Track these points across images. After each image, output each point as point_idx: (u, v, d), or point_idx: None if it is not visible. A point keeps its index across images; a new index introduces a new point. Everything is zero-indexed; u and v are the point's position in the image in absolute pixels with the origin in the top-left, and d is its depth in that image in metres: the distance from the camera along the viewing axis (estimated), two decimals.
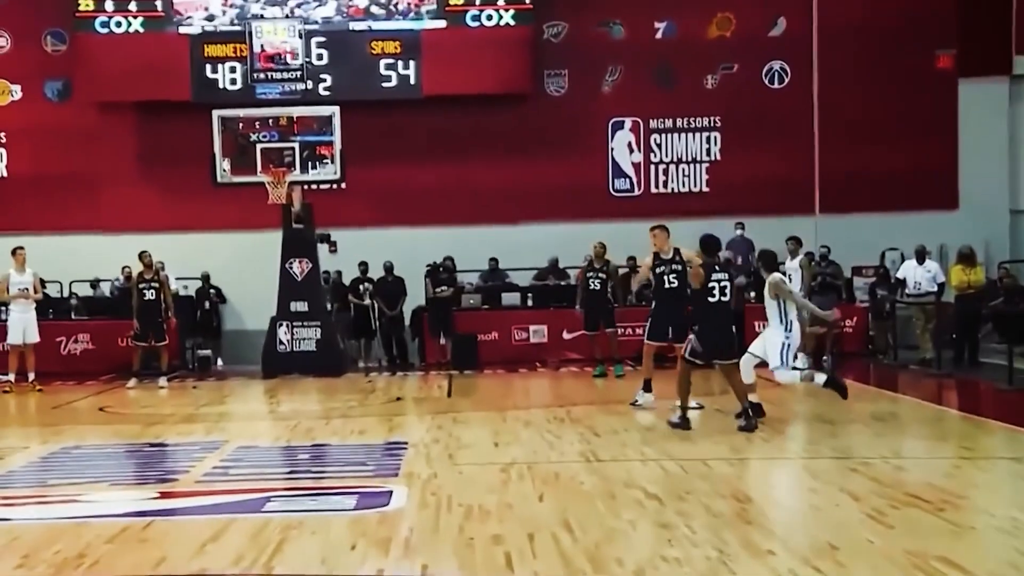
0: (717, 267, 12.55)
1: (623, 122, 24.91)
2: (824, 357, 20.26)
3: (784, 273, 19.92)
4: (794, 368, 19.02)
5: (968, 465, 10.42)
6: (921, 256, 20.06)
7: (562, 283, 22.93)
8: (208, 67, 23.54)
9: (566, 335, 21.22)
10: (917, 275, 19.95)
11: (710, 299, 12.40)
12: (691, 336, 12.68)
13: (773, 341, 12.88)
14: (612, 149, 24.93)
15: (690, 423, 12.59)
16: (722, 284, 12.44)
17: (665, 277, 14.14)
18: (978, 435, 12.15)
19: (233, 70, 23.45)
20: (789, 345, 12.84)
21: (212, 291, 23.68)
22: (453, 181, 24.33)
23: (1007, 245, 24.31)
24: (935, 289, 19.73)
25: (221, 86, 23.50)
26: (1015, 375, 16.01)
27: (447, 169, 24.31)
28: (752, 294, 21.93)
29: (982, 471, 10.25)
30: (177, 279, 22.52)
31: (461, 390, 17.82)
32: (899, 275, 20.64)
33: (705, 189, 24.85)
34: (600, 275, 18.73)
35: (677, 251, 13.99)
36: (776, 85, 24.81)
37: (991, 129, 24.52)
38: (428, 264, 22.49)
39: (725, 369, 12.72)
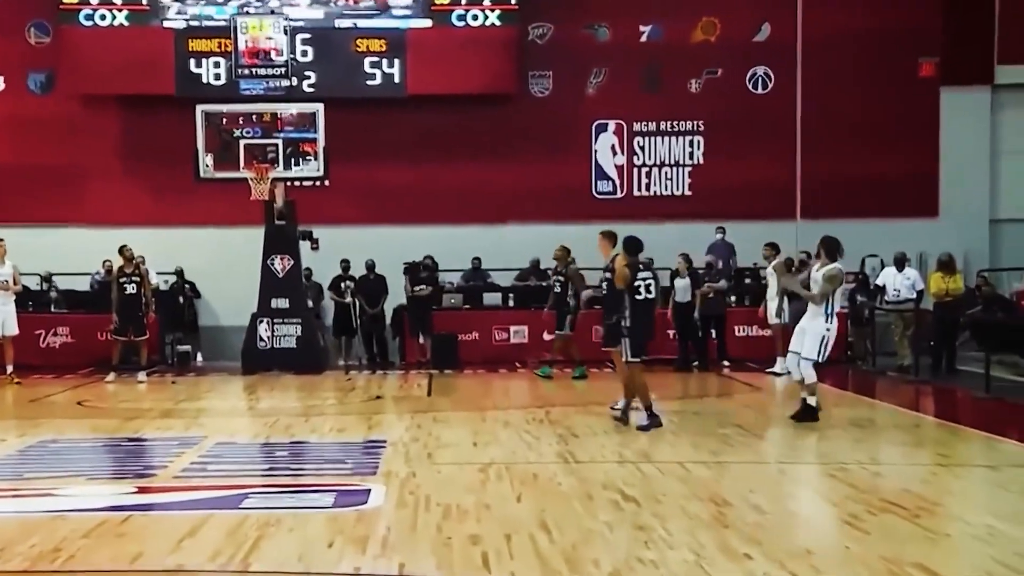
0: (642, 266, 12.89)
1: (607, 124, 24.94)
2: None
3: (762, 279, 20.08)
4: (775, 373, 19.17)
5: (944, 472, 10.47)
6: (901, 263, 20.12)
7: (543, 284, 22.91)
8: (192, 62, 23.46)
9: (546, 336, 21.19)
10: (896, 282, 20.00)
11: (637, 297, 12.73)
12: (623, 339, 12.90)
13: (815, 331, 13.00)
14: (596, 151, 24.95)
15: (660, 420, 12.73)
16: (647, 282, 12.80)
17: (602, 284, 14.34)
18: (955, 442, 12.20)
19: (217, 65, 23.38)
20: (828, 340, 12.95)
21: (186, 286, 23.57)
22: (437, 180, 24.30)
23: (987, 254, 24.42)
24: (914, 296, 19.77)
25: (205, 81, 23.42)
26: (992, 383, 16.08)
27: (431, 168, 24.29)
28: (732, 298, 21.99)
29: (958, 478, 10.30)
30: (158, 274, 22.44)
31: (441, 389, 17.81)
32: (879, 282, 20.69)
33: (687, 193, 24.89)
34: (559, 278, 19.00)
35: (615, 259, 13.92)
36: (760, 90, 24.88)
37: (972, 138, 24.64)
38: (406, 263, 22.38)
39: (633, 367, 13.04)
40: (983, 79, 24.66)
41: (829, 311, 13.02)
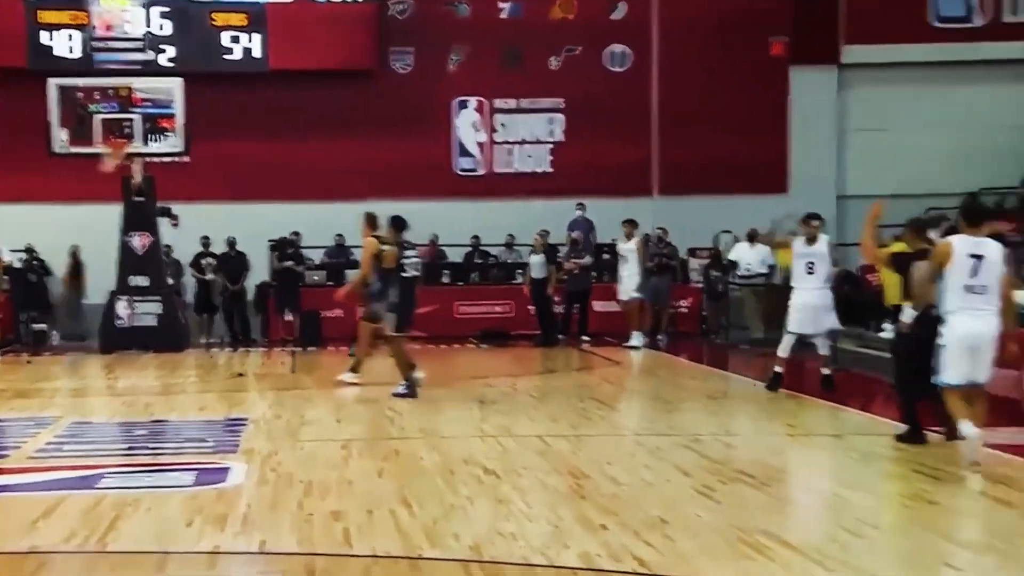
0: (405, 245, 13.53)
1: (468, 101, 24.91)
2: (659, 336, 20.66)
3: (619, 255, 20.31)
4: (634, 348, 19.44)
5: (793, 442, 10.78)
6: (752, 239, 20.54)
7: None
8: (44, 34, 22.71)
9: None
10: (748, 257, 20.41)
11: (403, 275, 13.36)
12: (387, 313, 13.48)
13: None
14: (457, 128, 24.92)
15: (416, 391, 13.13)
16: (411, 260, 13.51)
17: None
18: (803, 413, 12.54)
19: (71, 38, 22.67)
20: None
21: (36, 263, 22.82)
22: (299, 157, 23.97)
23: (834, 229, 24.98)
24: (765, 271, 20.20)
25: (58, 54, 22.68)
26: (839, 355, 16.52)
27: (293, 145, 23.94)
28: (594, 274, 22.15)
29: (806, 448, 10.61)
30: (12, 251, 21.81)
31: (304, 367, 17.70)
32: (731, 257, 21.09)
33: (548, 170, 25.01)
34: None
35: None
36: (618, 68, 25.09)
37: (820, 116, 25.16)
38: (271, 240, 22.09)
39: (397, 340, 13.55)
40: (830, 59, 25.21)
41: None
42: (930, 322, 9.02)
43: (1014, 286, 9.81)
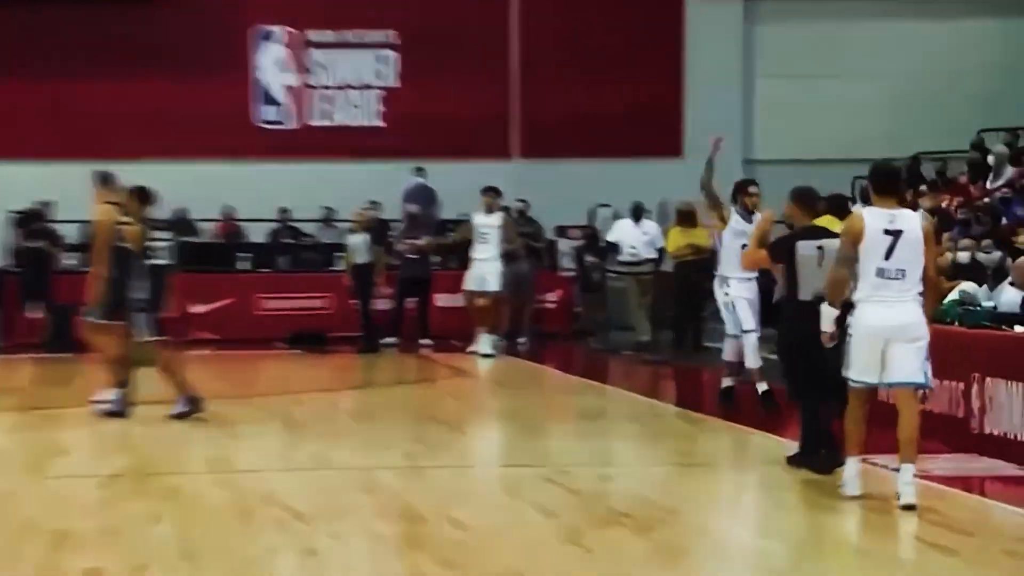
0: (153, 224, 13.62)
1: (273, 32, 24.72)
2: (520, 339, 20.78)
3: (480, 232, 20.21)
4: (486, 355, 19.56)
5: (685, 473, 10.96)
6: (637, 214, 20.72)
7: (197, 240, 22.58)
8: None
9: (198, 308, 20.97)
10: (632, 238, 20.59)
11: (155, 262, 13.49)
12: (136, 313, 13.16)
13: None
14: (258, 67, 24.70)
15: (201, 407, 12.83)
16: (161, 244, 13.79)
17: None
18: (698, 436, 12.76)
19: None
20: None
21: None
22: (51, 102, 23.56)
23: None
24: (654, 256, 20.40)
25: None
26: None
27: (43, 86, 23.52)
28: (438, 259, 22.14)
29: (700, 480, 10.78)
30: None
31: (55, 378, 17.43)
32: (611, 238, 21.24)
33: (379, 123, 24.95)
34: None
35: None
36: None
37: (723, 60, 25.40)
38: (13, 211, 21.69)
39: (152, 348, 13.21)
40: None
41: None
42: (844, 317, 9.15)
43: (941, 270, 9.97)
